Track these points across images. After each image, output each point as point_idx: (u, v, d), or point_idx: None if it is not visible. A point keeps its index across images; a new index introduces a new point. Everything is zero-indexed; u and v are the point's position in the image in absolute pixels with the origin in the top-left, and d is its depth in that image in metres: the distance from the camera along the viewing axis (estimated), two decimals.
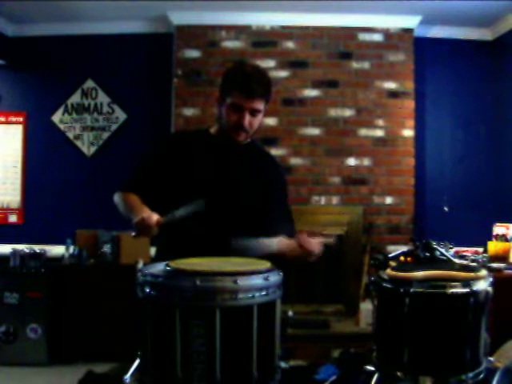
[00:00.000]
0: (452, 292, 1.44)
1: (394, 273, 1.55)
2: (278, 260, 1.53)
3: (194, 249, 1.66)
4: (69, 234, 4.16)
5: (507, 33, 4.21)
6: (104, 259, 4.09)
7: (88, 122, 4.53)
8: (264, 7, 4.10)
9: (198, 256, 1.55)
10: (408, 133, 4.26)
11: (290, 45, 4.28)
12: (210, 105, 3.94)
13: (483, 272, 1.55)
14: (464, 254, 3.62)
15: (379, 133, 4.25)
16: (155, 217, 1.63)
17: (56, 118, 4.54)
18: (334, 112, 4.26)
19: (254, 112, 1.82)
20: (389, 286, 1.53)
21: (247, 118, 1.81)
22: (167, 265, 1.43)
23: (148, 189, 1.87)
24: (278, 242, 1.73)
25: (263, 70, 1.91)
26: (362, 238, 4.11)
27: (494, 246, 3.68)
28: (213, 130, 1.97)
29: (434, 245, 1.81)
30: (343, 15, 4.21)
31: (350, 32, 4.27)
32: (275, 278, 1.37)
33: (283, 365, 1.42)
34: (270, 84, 1.87)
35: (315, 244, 1.77)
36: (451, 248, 3.43)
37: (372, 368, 1.59)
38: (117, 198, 1.90)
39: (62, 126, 4.53)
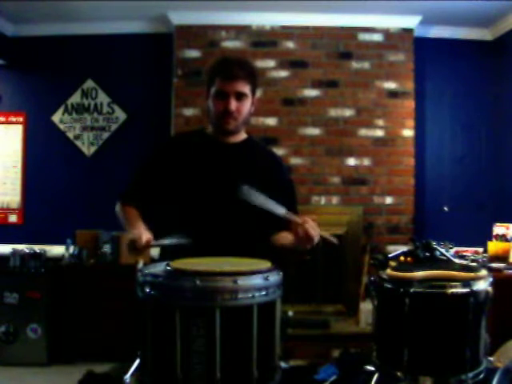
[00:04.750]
0: (452, 292, 1.44)
1: (394, 273, 1.55)
2: (277, 255, 1.52)
3: (196, 249, 1.65)
4: (69, 234, 4.16)
5: (507, 33, 4.21)
6: (104, 259, 4.09)
7: (88, 122, 4.53)
8: (264, 7, 4.10)
9: (200, 256, 1.56)
10: (408, 133, 4.26)
11: (290, 45, 4.28)
12: None
13: (483, 272, 1.55)
14: (464, 254, 3.63)
15: (379, 133, 4.25)
16: (145, 237, 1.63)
17: (56, 118, 4.54)
18: (334, 112, 4.26)
19: (239, 96, 1.84)
20: (389, 285, 1.53)
21: (233, 102, 1.83)
22: (167, 265, 1.44)
23: (146, 198, 1.90)
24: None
25: (245, 58, 1.98)
26: (361, 238, 4.11)
27: (494, 246, 3.68)
28: (209, 129, 1.99)
29: (434, 245, 1.82)
30: (343, 15, 4.21)
31: (350, 32, 4.26)
32: (275, 277, 1.37)
33: (283, 365, 1.42)
34: (253, 68, 1.92)
35: (316, 228, 1.67)
36: (451, 248, 3.44)
37: (372, 368, 1.59)
38: (117, 209, 1.94)
39: (61, 126, 4.53)
